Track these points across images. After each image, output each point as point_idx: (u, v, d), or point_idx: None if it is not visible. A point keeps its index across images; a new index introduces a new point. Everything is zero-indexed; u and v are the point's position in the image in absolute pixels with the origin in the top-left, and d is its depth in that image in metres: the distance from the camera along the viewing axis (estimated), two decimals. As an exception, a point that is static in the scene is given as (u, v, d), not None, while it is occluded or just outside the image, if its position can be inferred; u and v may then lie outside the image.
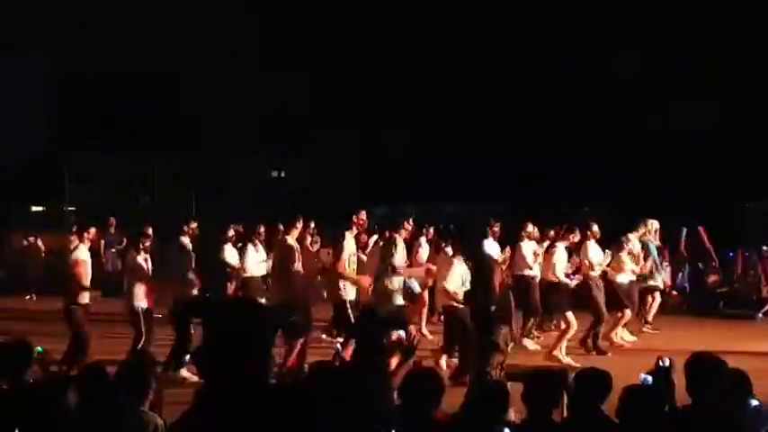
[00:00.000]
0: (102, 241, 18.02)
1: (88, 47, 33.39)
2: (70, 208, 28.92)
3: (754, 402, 6.44)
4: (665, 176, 29.82)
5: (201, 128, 33.94)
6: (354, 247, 11.92)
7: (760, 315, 18.71)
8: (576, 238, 14.30)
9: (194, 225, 12.77)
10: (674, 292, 19.78)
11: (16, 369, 6.19)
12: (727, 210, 24.80)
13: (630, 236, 15.26)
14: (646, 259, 15.62)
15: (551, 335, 14.84)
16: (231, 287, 14.76)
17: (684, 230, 20.42)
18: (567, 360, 13.17)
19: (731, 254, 20.65)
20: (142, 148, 32.81)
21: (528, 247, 14.61)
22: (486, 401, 6.16)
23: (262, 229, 14.84)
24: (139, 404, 5.78)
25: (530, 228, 14.81)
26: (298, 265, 12.06)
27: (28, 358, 6.29)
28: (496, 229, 15.03)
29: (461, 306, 11.85)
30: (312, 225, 12.94)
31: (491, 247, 14.31)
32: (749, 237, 21.70)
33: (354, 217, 11.84)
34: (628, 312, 15.03)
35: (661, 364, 6.18)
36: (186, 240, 12.58)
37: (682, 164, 29.90)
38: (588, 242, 14.44)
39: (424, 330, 15.35)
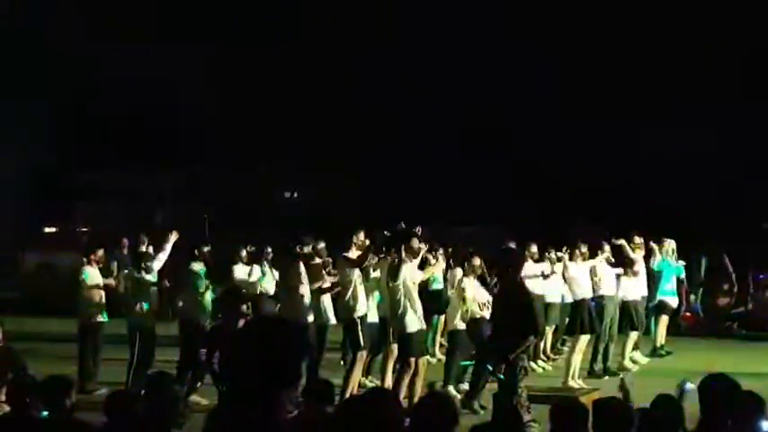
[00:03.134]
0: (115, 262, 18.04)
1: (99, 67, 33.54)
2: (83, 228, 28.95)
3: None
4: (678, 198, 29.75)
5: (215, 148, 34.02)
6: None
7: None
8: (583, 251, 14.19)
9: (207, 249, 12.76)
10: (688, 314, 19.72)
11: (56, 400, 6.30)
12: (741, 230, 24.74)
13: (633, 255, 15.20)
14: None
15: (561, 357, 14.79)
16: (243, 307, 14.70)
17: (704, 259, 20.38)
18: (577, 383, 13.11)
19: (761, 276, 20.47)
20: (154, 168, 32.89)
21: (529, 267, 14.45)
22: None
23: (269, 249, 14.85)
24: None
25: (533, 248, 14.74)
26: (303, 286, 12.09)
27: (67, 391, 6.41)
28: (512, 245, 14.94)
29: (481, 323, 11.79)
30: (322, 245, 12.92)
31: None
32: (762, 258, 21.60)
33: (354, 237, 11.85)
34: (634, 334, 14.98)
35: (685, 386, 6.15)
36: (198, 266, 12.52)
37: (694, 184, 29.87)
38: (598, 261, 14.40)
39: (438, 353, 15.32)
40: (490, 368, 9.53)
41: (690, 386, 6.26)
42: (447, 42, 34.15)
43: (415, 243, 11.89)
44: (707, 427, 5.87)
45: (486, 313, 11.99)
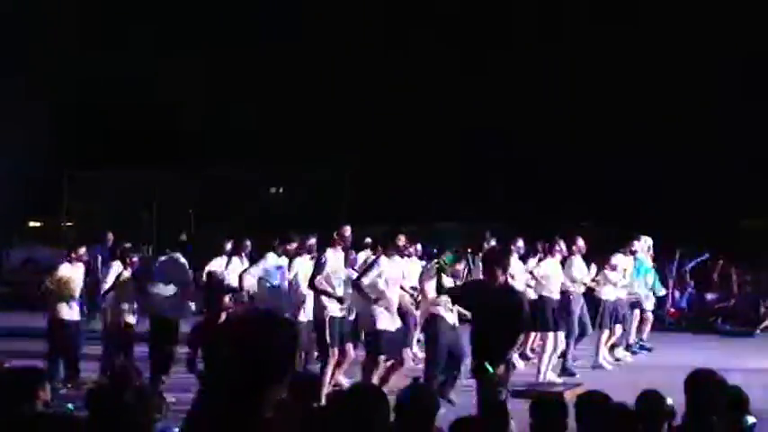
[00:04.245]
0: (99, 257, 17.96)
1: (88, 63, 33.46)
2: (68, 223, 28.92)
3: (751, 419, 6.44)
4: (662, 194, 29.87)
5: (202, 144, 33.98)
6: (340, 263, 11.79)
7: (758, 332, 18.69)
8: (560, 248, 13.93)
9: (183, 238, 12.69)
10: (673, 310, 19.78)
11: (27, 393, 6.16)
12: (723, 227, 24.87)
13: (618, 253, 15.06)
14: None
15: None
16: (227, 301, 14.63)
17: (706, 256, 20.41)
18: (550, 377, 13.06)
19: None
20: (142, 164, 32.85)
21: (514, 264, 14.31)
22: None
23: (248, 243, 14.77)
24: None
25: (519, 243, 14.62)
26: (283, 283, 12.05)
27: (39, 383, 6.27)
28: (493, 243, 14.86)
29: (445, 318, 11.68)
30: (313, 241, 12.84)
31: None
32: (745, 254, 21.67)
33: (336, 234, 11.80)
34: (607, 333, 14.84)
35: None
36: (179, 255, 12.46)
37: (679, 182, 30.01)
38: (573, 257, 14.16)
39: (416, 349, 15.28)
40: (491, 369, 9.47)
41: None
42: (444, 41, 34.19)
43: (401, 240, 11.82)
44: (692, 422, 5.88)
45: (448, 315, 11.79)
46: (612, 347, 15.21)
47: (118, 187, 33.63)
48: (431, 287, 11.48)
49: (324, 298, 11.45)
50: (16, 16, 32.31)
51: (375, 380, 10.91)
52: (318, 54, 34.01)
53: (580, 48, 32.32)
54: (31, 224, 29.64)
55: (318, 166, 34.14)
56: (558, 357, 13.85)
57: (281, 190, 38.17)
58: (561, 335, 13.60)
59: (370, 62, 33.96)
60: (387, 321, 11.21)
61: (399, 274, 11.70)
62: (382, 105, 33.56)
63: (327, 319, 11.42)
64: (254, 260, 13.68)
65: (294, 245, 12.53)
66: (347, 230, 11.88)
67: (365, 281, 11.22)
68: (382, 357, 11.21)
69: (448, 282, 11.48)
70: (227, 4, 35.74)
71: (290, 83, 34.25)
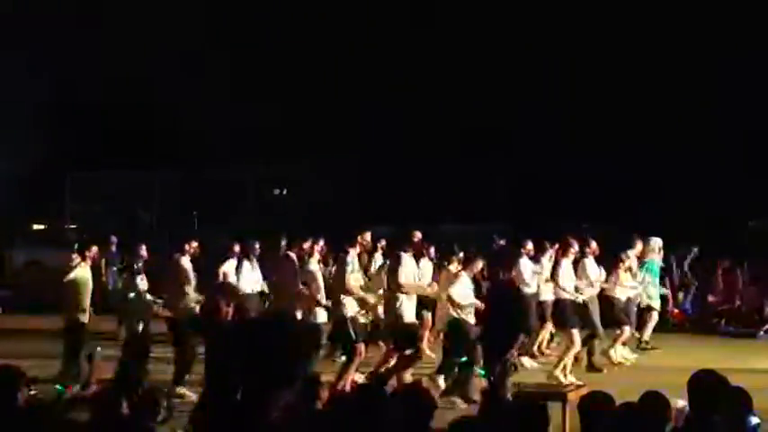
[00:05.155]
0: (104, 259, 17.97)
1: (89, 64, 33.47)
2: (71, 226, 28.89)
3: (755, 420, 6.46)
4: (666, 194, 29.87)
5: (203, 145, 33.96)
6: (357, 265, 11.94)
7: (761, 333, 18.66)
8: (575, 250, 14.07)
9: (195, 244, 12.72)
10: (676, 311, 19.77)
11: (5, 393, 6.10)
12: (729, 228, 24.87)
13: (629, 252, 15.16)
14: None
15: (555, 353, 14.75)
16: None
17: (695, 251, 20.44)
18: (568, 379, 13.08)
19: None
20: (144, 166, 32.82)
21: (526, 265, 14.45)
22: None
23: (257, 246, 14.77)
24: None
25: (529, 245, 14.68)
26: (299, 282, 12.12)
27: (17, 383, 6.21)
28: (502, 243, 14.95)
29: (467, 321, 11.78)
30: (322, 242, 12.95)
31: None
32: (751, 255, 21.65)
33: (359, 237, 11.91)
34: (627, 330, 14.94)
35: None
36: (185, 260, 12.50)
37: (682, 182, 30.02)
38: (586, 259, 14.29)
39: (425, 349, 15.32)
40: (482, 371, 9.46)
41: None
42: (445, 41, 34.18)
43: (417, 237, 12.03)
44: (695, 422, 5.90)
45: (470, 317, 11.88)
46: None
47: (118, 187, 33.56)
48: (456, 293, 11.73)
49: (345, 298, 11.62)
50: (16, 16, 32.31)
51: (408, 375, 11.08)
52: (320, 54, 34.00)
53: (580, 48, 32.32)
54: (35, 227, 29.57)
55: (319, 165, 34.10)
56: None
57: (284, 192, 38.12)
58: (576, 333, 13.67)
59: (370, 62, 33.94)
60: (412, 315, 11.43)
61: (416, 273, 11.92)
62: (382, 105, 33.55)
63: (349, 319, 11.60)
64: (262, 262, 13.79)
65: (306, 245, 12.67)
66: (368, 235, 12.13)
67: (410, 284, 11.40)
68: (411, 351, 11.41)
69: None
70: (228, 4, 35.74)
71: (291, 83, 34.24)
